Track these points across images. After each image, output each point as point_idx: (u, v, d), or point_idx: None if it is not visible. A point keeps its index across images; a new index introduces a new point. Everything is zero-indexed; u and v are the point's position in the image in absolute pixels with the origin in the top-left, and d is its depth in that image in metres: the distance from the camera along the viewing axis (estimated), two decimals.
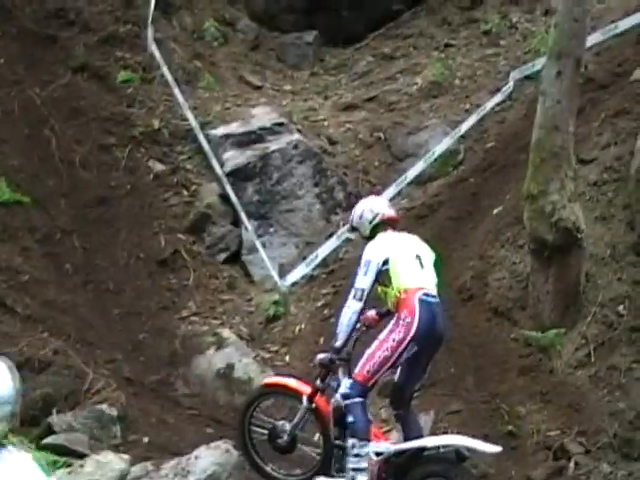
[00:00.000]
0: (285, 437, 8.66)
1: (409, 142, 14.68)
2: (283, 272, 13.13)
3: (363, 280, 8.15)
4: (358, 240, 12.86)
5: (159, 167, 13.41)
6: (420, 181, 14.18)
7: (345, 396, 8.13)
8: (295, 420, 8.60)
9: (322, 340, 11.89)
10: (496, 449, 8.03)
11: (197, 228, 13.34)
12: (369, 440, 8.04)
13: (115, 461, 8.52)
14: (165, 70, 14.06)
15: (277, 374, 11.18)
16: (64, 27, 14.37)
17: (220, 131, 14.13)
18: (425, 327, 7.99)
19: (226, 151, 13.91)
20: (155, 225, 13.13)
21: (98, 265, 12.49)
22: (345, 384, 8.15)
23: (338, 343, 8.21)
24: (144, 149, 13.74)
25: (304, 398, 8.52)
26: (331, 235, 13.53)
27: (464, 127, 14.51)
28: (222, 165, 13.78)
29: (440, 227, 12.94)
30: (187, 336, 12.22)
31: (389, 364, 8.01)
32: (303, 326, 12.58)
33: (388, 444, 8.19)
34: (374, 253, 8.19)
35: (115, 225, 12.97)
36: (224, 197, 13.63)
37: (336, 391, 8.34)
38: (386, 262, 8.14)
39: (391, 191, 13.76)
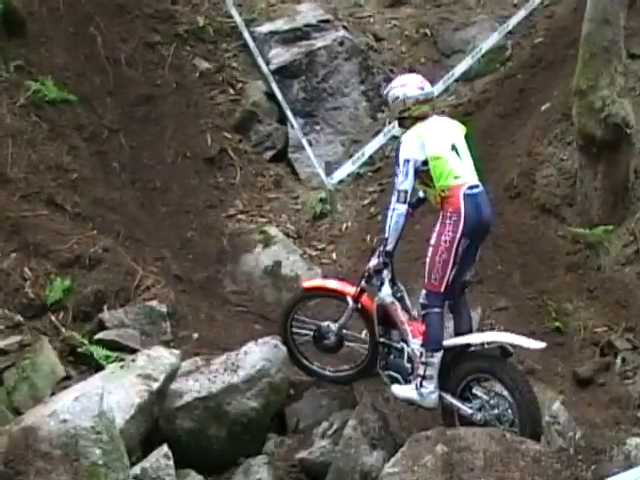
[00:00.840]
0: (331, 337, 8.80)
1: (456, 38, 14.51)
2: (329, 170, 13.12)
3: (404, 182, 8.09)
4: None
5: (204, 65, 13.35)
6: (467, 78, 14.04)
7: (422, 306, 8.19)
8: (341, 320, 8.72)
9: (368, 238, 11.95)
10: (541, 345, 8.08)
11: (243, 126, 13.32)
12: (440, 349, 8.12)
13: (166, 356, 8.66)
14: None
15: (323, 276, 11.31)
16: None
17: (265, 28, 14.03)
18: (472, 220, 8.02)
19: (271, 48, 13.82)
20: (201, 123, 13.12)
21: (145, 163, 12.54)
22: (421, 295, 8.21)
23: (388, 247, 8.24)
24: (189, 47, 13.68)
25: (349, 299, 8.61)
26: (377, 133, 13.47)
27: (512, 22, 14.30)
28: (268, 63, 13.70)
29: (487, 124, 12.84)
30: (234, 234, 12.29)
31: (451, 264, 8.04)
32: (349, 224, 12.63)
33: None
34: (412, 151, 8.10)
35: (161, 123, 12.97)
36: (270, 95, 13.58)
37: (379, 290, 8.42)
38: (425, 163, 8.09)
39: (438, 88, 13.63)
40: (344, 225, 12.63)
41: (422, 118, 8.33)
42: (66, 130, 12.01)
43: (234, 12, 13.87)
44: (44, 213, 10.74)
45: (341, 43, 13.82)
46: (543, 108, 12.42)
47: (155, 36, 13.69)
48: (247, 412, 8.57)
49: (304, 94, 13.61)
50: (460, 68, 13.96)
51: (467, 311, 8.55)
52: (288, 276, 11.59)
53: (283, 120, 13.54)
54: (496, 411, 8.08)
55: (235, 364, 8.66)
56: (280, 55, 13.74)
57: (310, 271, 11.59)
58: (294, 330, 9.02)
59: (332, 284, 9.05)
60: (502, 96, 13.36)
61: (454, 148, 8.19)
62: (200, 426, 8.49)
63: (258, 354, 8.73)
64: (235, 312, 10.97)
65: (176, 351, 8.86)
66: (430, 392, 8.18)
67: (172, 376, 8.54)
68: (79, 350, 9.34)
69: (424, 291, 8.17)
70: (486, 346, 8.16)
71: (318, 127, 13.53)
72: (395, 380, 8.48)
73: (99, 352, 9.23)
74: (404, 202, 8.09)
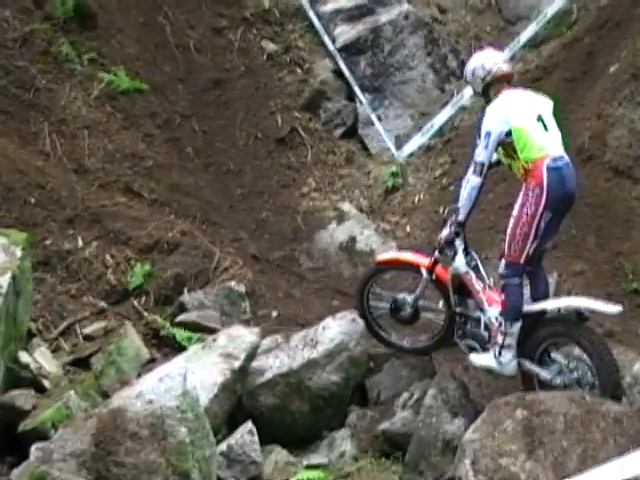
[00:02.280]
0: (408, 309, 8.89)
1: (521, 5, 14.42)
2: (400, 143, 13.19)
3: (483, 153, 8.07)
4: (474, 108, 12.91)
5: (272, 47, 13.48)
6: (533, 44, 13.95)
7: (501, 276, 8.23)
8: (417, 292, 8.80)
9: (441, 209, 11.98)
10: (617, 309, 8.05)
11: (312, 105, 13.42)
12: (519, 319, 8.15)
13: (246, 334, 8.84)
14: None
15: (398, 248, 11.38)
16: None
17: (329, 7, 14.09)
18: (555, 194, 7.97)
19: (337, 26, 13.89)
20: (271, 104, 13.25)
21: (218, 147, 12.71)
22: (500, 265, 8.22)
23: (460, 217, 8.26)
24: (256, 30, 13.79)
25: (423, 270, 8.68)
26: (446, 104, 13.48)
27: None
28: (333, 41, 13.78)
29: (556, 89, 12.74)
30: (308, 212, 12.42)
31: (531, 237, 8.03)
32: (422, 196, 12.66)
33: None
34: (495, 123, 8.06)
35: (232, 107, 13.13)
36: (337, 72, 13.66)
37: (453, 260, 8.47)
38: (509, 134, 8.06)
39: (505, 56, 13.57)
40: (416, 198, 12.68)
41: (507, 85, 8.35)
42: (140, 119, 12.25)
43: None
44: (122, 201, 10.99)
45: (406, 17, 13.83)
46: (611, 70, 12.31)
47: (222, 21, 13.84)
48: (328, 386, 8.71)
49: (371, 70, 13.66)
50: (526, 34, 13.86)
51: (544, 276, 8.56)
52: (363, 251, 11.69)
53: (352, 97, 13.61)
54: (575, 375, 8.10)
55: (314, 339, 8.79)
56: (345, 32, 13.80)
57: (384, 245, 11.67)
58: (371, 303, 9.10)
59: (406, 256, 9.11)
60: (569, 60, 13.25)
61: (540, 119, 8.12)
62: (282, 402, 8.66)
63: (336, 329, 8.86)
64: (312, 289, 11.10)
65: (256, 329, 9.04)
66: (509, 360, 8.22)
67: (252, 354, 8.72)
68: (162, 333, 9.57)
69: (503, 261, 8.17)
70: (562, 311, 8.19)
71: (386, 102, 13.58)
72: (473, 349, 8.53)
73: (181, 334, 9.45)
74: (480, 174, 8.07)
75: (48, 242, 10.10)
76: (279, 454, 8.38)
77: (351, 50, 13.68)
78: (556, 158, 8.07)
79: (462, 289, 8.53)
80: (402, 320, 8.99)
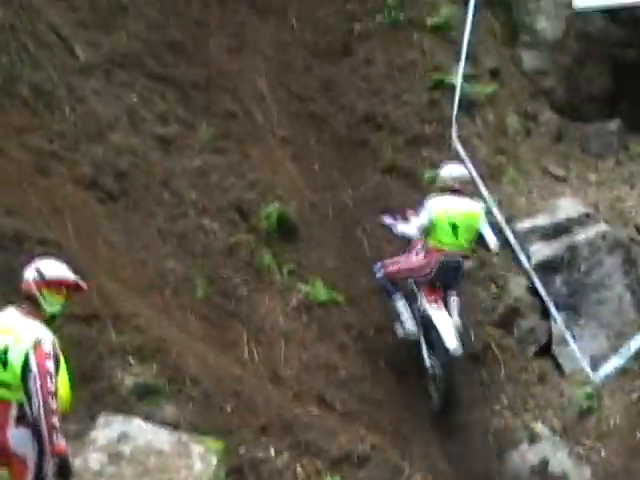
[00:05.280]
0: None
1: None
2: (595, 364, 12.99)
3: None
4: None
5: (466, 263, 13.65)
6: None
7: None
8: None
9: (638, 435, 11.65)
10: None
11: (506, 322, 13.42)
12: None
13: None
14: (470, 167, 14.34)
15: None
16: (373, 130, 14.94)
17: (526, 224, 14.21)
18: None
19: (532, 244, 13.98)
20: (470, 319, 13.30)
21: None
22: None
23: None
24: None
25: None
26: None
27: None
28: (529, 258, 13.86)
29: None
30: (499, 430, 12.28)
31: None
32: (618, 420, 12.32)
33: None
34: None
35: None
36: (532, 290, 13.68)
37: None
38: None
39: None
40: (612, 421, 12.36)
41: None
42: (335, 330, 12.49)
43: (495, 210, 14.14)
44: (314, 411, 11.12)
45: (603, 237, 13.82)
46: None
47: None
48: None
49: (566, 288, 13.61)
50: None
51: None
52: (555, 474, 11.42)
53: (546, 314, 13.56)
54: None
55: None
56: (541, 250, 13.87)
57: (578, 469, 11.38)
58: None
59: None
60: None
61: None
62: None
63: None
64: None
65: None
66: None
67: None
68: None
69: None
70: None
71: (582, 321, 13.45)
72: None
73: None
74: None
75: (242, 450, 10.27)
76: None
77: (546, 268, 13.70)
78: None
79: None
80: None
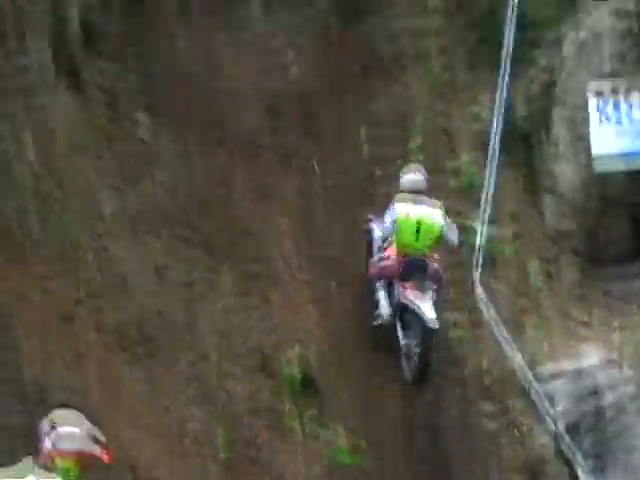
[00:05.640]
0: None
1: None
2: None
3: None
4: None
5: (492, 425, 13.49)
6: None
7: None
8: None
9: None
10: None
11: (532, 475, 13.28)
12: None
13: None
14: (492, 312, 14.33)
15: None
16: None
17: (548, 369, 14.12)
18: None
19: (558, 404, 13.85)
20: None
21: None
22: None
23: None
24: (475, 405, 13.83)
25: None
26: None
27: None
28: (555, 422, 13.67)
29: None
30: None
31: None
32: None
33: None
34: None
35: None
36: (558, 452, 13.50)
37: None
38: None
39: None
40: None
41: None
42: None
43: (518, 356, 14.03)
44: None
45: (631, 398, 13.72)
46: None
47: None
48: None
49: (594, 449, 13.46)
50: None
51: None
52: None
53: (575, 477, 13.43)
54: None
55: None
56: (568, 412, 13.71)
57: None
58: None
59: None
60: None
61: None
62: None
63: None
64: None
65: None
66: None
67: None
68: None
69: None
70: None
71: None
72: None
73: None
74: None
75: None
76: None
77: (573, 430, 13.57)
78: None
79: None
80: None
